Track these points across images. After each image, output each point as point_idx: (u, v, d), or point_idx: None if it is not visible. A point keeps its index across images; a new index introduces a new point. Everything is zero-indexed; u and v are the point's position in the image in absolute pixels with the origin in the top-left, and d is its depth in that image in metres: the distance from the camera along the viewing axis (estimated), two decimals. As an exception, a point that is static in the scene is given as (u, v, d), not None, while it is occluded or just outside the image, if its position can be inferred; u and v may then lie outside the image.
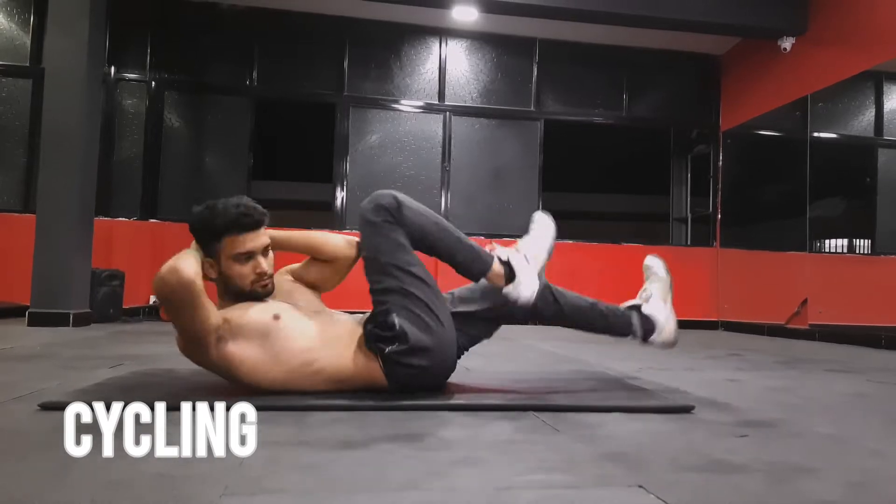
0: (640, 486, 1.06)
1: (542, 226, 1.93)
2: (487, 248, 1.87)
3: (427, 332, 1.72)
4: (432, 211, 1.86)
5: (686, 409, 1.73)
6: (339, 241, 1.90)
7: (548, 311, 1.91)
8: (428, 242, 1.81)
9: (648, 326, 1.98)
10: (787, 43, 5.50)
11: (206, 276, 1.72)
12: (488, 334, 2.01)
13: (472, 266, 1.83)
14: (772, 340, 4.99)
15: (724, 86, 6.63)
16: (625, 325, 1.98)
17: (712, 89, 6.68)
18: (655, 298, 2.02)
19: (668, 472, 1.15)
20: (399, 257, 1.75)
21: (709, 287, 6.39)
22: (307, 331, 1.72)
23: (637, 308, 2.01)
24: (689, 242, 6.94)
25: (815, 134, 5.32)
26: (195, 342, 1.65)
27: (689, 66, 6.69)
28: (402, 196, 1.80)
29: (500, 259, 1.84)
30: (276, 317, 1.69)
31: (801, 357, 3.60)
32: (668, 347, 2.04)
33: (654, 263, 2.11)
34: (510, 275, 1.82)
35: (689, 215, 6.99)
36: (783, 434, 1.52)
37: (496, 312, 1.93)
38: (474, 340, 1.97)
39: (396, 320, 1.70)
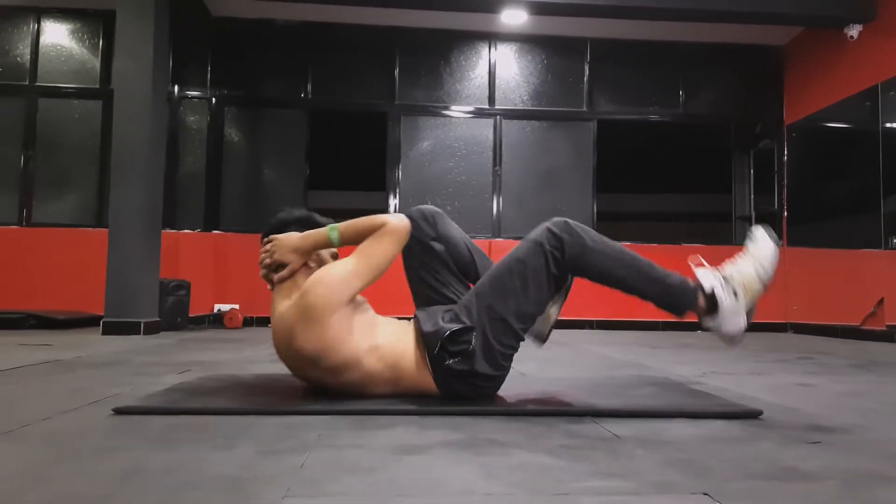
0: (706, 494, 1.02)
1: (762, 246, 1.68)
2: (690, 262, 1.68)
3: (494, 366, 1.70)
4: (614, 246, 1.70)
5: (754, 415, 1.66)
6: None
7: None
8: (612, 282, 1.69)
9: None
10: (853, 31, 5.25)
11: (276, 272, 1.76)
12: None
13: (676, 305, 1.68)
14: (845, 343, 4.75)
15: (788, 78, 6.38)
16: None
17: (775, 82, 6.44)
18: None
19: (734, 479, 1.11)
20: (531, 291, 1.68)
21: (776, 287, 6.12)
22: (377, 317, 1.77)
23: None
24: (753, 241, 6.68)
25: (888, 124, 5.04)
26: (356, 291, 1.68)
27: (750, 59, 6.47)
28: (586, 235, 1.69)
29: (704, 291, 1.65)
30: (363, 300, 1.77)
31: (878, 360, 3.41)
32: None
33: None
34: (713, 307, 1.64)
35: (753, 213, 6.74)
36: (858, 441, 1.44)
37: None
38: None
39: (474, 342, 1.67)
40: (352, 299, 1.68)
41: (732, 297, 1.65)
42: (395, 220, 1.73)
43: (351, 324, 1.66)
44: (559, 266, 1.69)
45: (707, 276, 1.68)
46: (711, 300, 1.65)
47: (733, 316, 1.65)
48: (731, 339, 1.69)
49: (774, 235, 1.71)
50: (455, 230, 1.92)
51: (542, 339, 1.85)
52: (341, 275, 1.67)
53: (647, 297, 1.70)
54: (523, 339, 1.75)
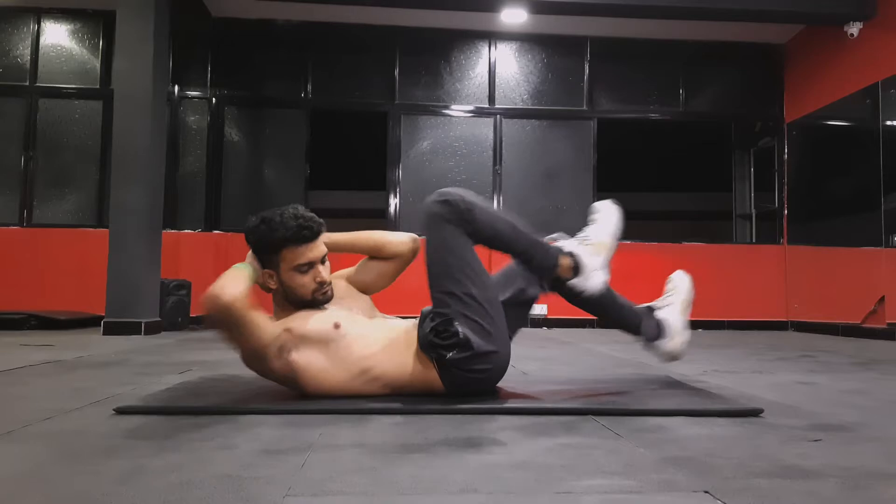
0: (707, 492, 1.03)
1: (606, 213, 1.88)
2: (551, 237, 1.85)
3: (487, 337, 1.70)
4: (497, 208, 1.86)
5: (755, 413, 1.66)
6: (402, 237, 1.93)
7: (573, 291, 1.86)
8: (497, 243, 1.79)
9: (659, 330, 1.95)
10: (854, 28, 5.25)
11: (264, 287, 1.77)
12: (525, 320, 1.98)
13: (542, 264, 1.81)
14: (847, 341, 4.75)
15: (788, 76, 6.37)
16: (636, 321, 1.95)
17: (775, 80, 6.44)
18: (673, 307, 1.98)
19: (735, 477, 1.11)
20: (462, 259, 1.74)
21: (777, 286, 6.14)
22: (366, 337, 1.73)
23: (652, 310, 1.98)
24: (754, 240, 6.69)
25: (888, 122, 5.03)
26: (254, 356, 1.70)
27: (750, 57, 6.47)
28: (471, 195, 1.78)
29: (565, 252, 1.81)
30: (337, 325, 1.70)
31: (880, 358, 3.40)
32: (671, 360, 2.00)
33: (679, 279, 2.06)
34: (576, 267, 1.80)
35: (754, 212, 6.73)
36: (860, 438, 1.44)
37: (526, 295, 1.90)
38: (517, 327, 1.93)
39: (459, 329, 1.67)
40: (281, 345, 1.67)
41: (589, 252, 1.81)
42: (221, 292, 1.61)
43: (324, 363, 1.68)
44: (462, 225, 1.73)
45: (566, 242, 1.84)
46: (573, 258, 1.80)
47: (594, 269, 1.80)
48: (592, 289, 1.81)
49: (613, 202, 1.91)
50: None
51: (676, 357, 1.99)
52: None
53: (522, 253, 1.80)
54: (494, 301, 1.75)
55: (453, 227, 1.74)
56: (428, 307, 1.78)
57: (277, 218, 1.72)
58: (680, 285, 2.03)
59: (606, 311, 1.95)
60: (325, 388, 1.70)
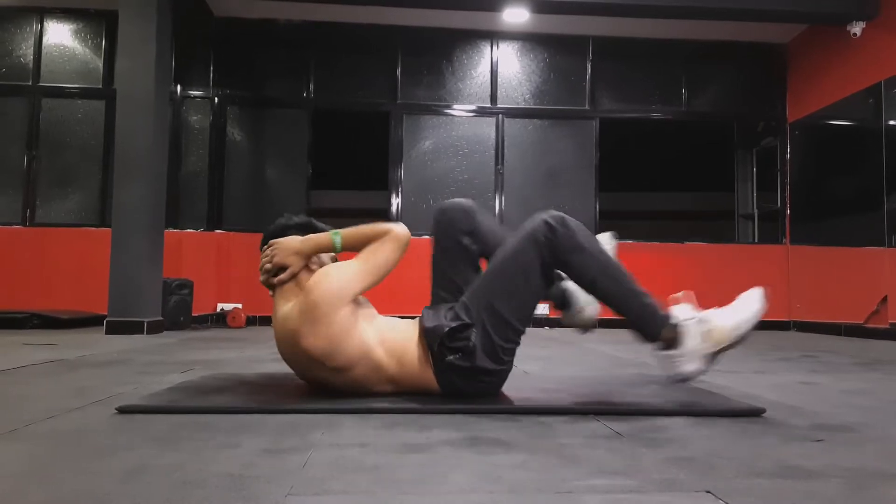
0: (708, 492, 1.02)
1: (747, 301, 1.66)
2: (678, 295, 1.67)
3: (496, 361, 1.70)
4: (605, 251, 1.70)
5: (756, 413, 1.66)
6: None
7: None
8: (598, 289, 1.70)
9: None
10: (856, 28, 5.24)
11: (275, 276, 1.76)
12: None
13: (643, 328, 1.67)
14: (849, 341, 4.74)
15: (791, 75, 6.36)
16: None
17: (778, 79, 6.43)
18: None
19: (737, 477, 1.11)
20: (528, 286, 1.69)
21: (779, 286, 6.13)
22: (382, 320, 1.76)
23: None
24: (756, 239, 6.69)
25: (891, 122, 5.02)
26: (361, 291, 1.69)
27: (752, 57, 6.46)
28: (580, 232, 1.68)
29: (672, 321, 1.65)
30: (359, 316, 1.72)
31: (882, 358, 3.40)
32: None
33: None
34: (676, 341, 1.63)
35: (756, 211, 6.72)
36: (862, 438, 1.44)
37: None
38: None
39: (473, 340, 1.66)
40: (354, 299, 1.68)
41: (699, 339, 1.63)
42: (399, 229, 1.75)
43: (356, 319, 1.67)
44: (551, 258, 1.69)
45: (683, 311, 1.66)
46: (677, 334, 1.63)
47: (691, 358, 1.63)
48: (676, 376, 1.67)
49: (765, 300, 1.67)
50: (491, 224, 1.88)
51: (586, 326, 1.90)
52: (344, 274, 1.68)
53: (620, 310, 1.69)
54: (524, 333, 1.75)
55: (542, 252, 1.67)
56: (446, 304, 1.77)
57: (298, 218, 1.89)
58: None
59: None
60: (349, 349, 1.65)
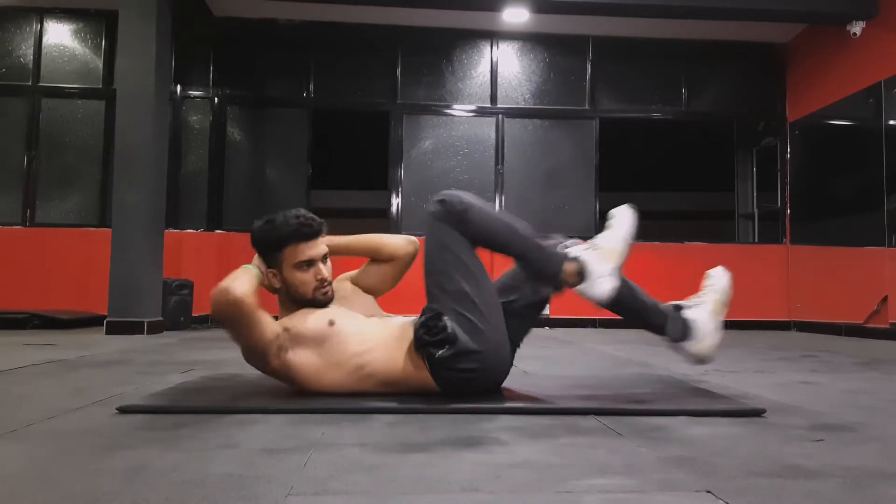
0: (709, 492, 1.02)
1: (621, 218, 1.81)
2: (559, 247, 1.78)
3: (475, 335, 1.70)
4: (500, 210, 1.84)
5: (757, 413, 1.66)
6: (398, 240, 1.95)
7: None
8: (494, 244, 1.79)
9: (685, 331, 1.80)
10: (856, 28, 5.23)
11: (269, 287, 1.79)
12: (536, 319, 1.97)
13: (544, 268, 1.76)
14: (849, 340, 4.74)
15: (791, 75, 6.36)
16: (660, 322, 1.82)
17: (778, 79, 6.43)
18: (705, 307, 1.83)
19: (737, 477, 1.11)
20: (457, 256, 1.75)
21: (779, 286, 6.13)
22: (360, 334, 1.75)
23: (679, 308, 1.84)
24: (756, 239, 6.68)
25: (891, 122, 5.02)
26: (255, 353, 1.72)
27: (752, 57, 6.46)
28: (469, 197, 1.79)
29: (571, 257, 1.75)
30: (331, 322, 1.73)
31: (882, 357, 3.40)
32: (699, 363, 1.85)
33: (717, 275, 1.91)
34: (582, 272, 1.73)
35: (756, 211, 6.72)
36: (862, 438, 1.44)
37: (538, 295, 1.89)
38: (524, 331, 1.92)
39: (448, 323, 1.69)
40: (279, 346, 1.70)
41: (597, 257, 1.73)
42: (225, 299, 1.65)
43: (318, 361, 1.71)
44: (457, 226, 1.75)
45: (574, 248, 1.78)
46: (579, 264, 1.73)
47: (603, 278, 1.73)
48: (602, 296, 1.74)
49: (630, 208, 1.83)
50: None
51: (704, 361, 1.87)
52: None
53: (521, 256, 1.78)
54: (489, 300, 1.75)
55: (449, 226, 1.76)
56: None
57: (280, 218, 1.79)
58: (717, 283, 1.89)
59: (626, 310, 1.84)
60: (321, 386, 1.73)
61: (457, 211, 1.75)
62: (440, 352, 1.68)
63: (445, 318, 1.70)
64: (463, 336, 1.69)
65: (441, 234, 1.76)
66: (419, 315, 1.77)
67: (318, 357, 1.71)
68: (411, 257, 1.94)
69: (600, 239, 1.78)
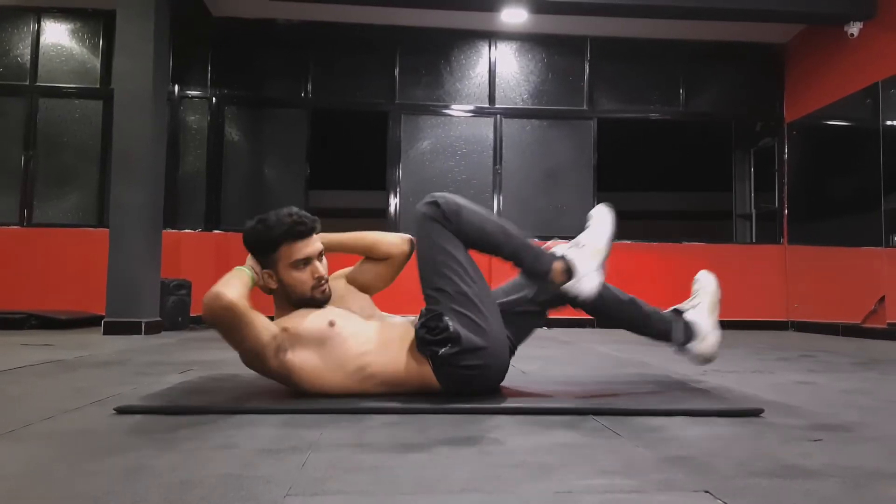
0: (707, 492, 1.03)
1: (600, 218, 1.86)
2: (549, 244, 1.84)
3: (478, 332, 1.71)
4: (489, 211, 1.84)
5: (755, 413, 1.66)
6: (393, 238, 1.95)
7: (589, 302, 1.85)
8: (486, 245, 1.81)
9: (689, 333, 1.93)
10: (854, 28, 5.25)
11: (264, 288, 1.78)
12: (536, 325, 1.99)
13: (534, 267, 1.80)
14: (847, 340, 4.75)
15: (789, 76, 6.37)
16: (665, 328, 1.94)
17: (775, 80, 6.44)
18: (702, 308, 1.96)
19: (736, 477, 1.11)
20: (451, 257, 1.76)
21: (777, 286, 6.14)
22: (361, 335, 1.74)
23: (680, 313, 1.97)
24: (754, 240, 6.69)
25: (889, 122, 5.03)
26: (252, 356, 1.70)
27: (750, 57, 6.46)
28: (458, 198, 1.81)
29: (558, 256, 1.80)
30: (332, 323, 1.72)
31: (880, 357, 3.41)
32: (705, 362, 1.97)
33: (705, 278, 2.04)
34: (569, 270, 1.77)
35: (754, 211, 6.73)
36: (860, 438, 1.44)
37: (539, 302, 1.91)
38: (524, 334, 1.94)
39: (449, 323, 1.69)
40: (277, 346, 1.68)
41: (583, 255, 1.78)
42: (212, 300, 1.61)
43: (319, 362, 1.70)
44: (448, 226, 1.76)
45: (561, 247, 1.82)
46: (566, 263, 1.78)
47: (587, 273, 1.77)
48: (588, 293, 1.79)
49: (608, 207, 1.88)
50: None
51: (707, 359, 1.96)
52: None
53: (512, 256, 1.81)
54: (485, 298, 1.77)
55: (440, 227, 1.77)
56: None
57: (273, 217, 1.77)
58: (706, 285, 2.01)
59: (632, 320, 1.95)
60: (321, 387, 1.71)
61: (448, 211, 1.77)
62: (443, 350, 1.68)
63: (446, 318, 1.70)
64: (466, 334, 1.69)
65: (435, 234, 1.77)
66: (418, 316, 1.77)
67: (318, 358, 1.70)
68: (406, 256, 1.94)
69: (583, 238, 1.83)
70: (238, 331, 1.63)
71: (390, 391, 1.75)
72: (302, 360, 1.69)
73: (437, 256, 1.77)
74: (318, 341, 1.70)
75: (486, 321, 1.73)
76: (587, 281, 1.77)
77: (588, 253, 1.79)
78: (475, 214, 1.80)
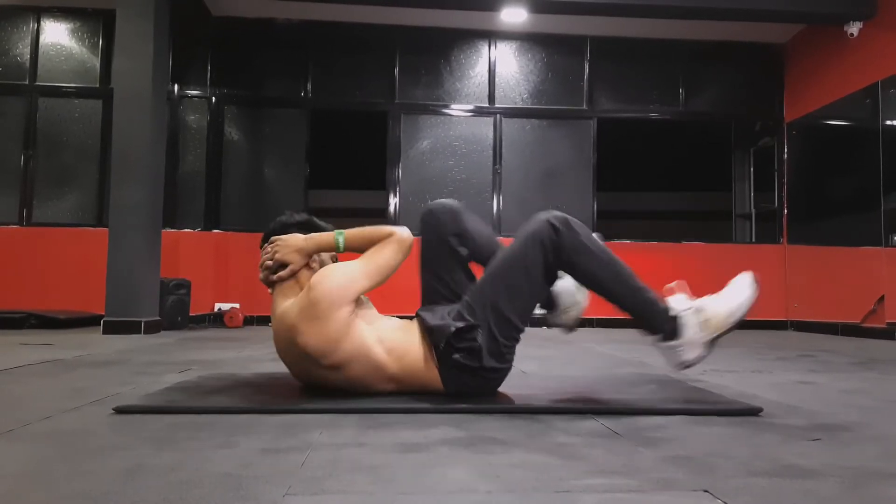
0: (706, 491, 1.03)
1: (740, 289, 1.70)
2: (670, 285, 1.69)
3: (500, 360, 1.72)
4: (607, 249, 1.71)
5: (754, 412, 1.67)
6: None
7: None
8: (602, 293, 1.72)
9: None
10: (853, 28, 5.25)
11: (273, 276, 1.77)
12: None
13: (652, 326, 1.70)
14: (846, 340, 4.75)
15: (788, 75, 6.37)
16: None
17: (775, 79, 6.44)
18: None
19: (735, 476, 1.11)
20: (532, 286, 1.72)
21: (777, 285, 6.14)
22: (386, 324, 1.76)
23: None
24: (753, 239, 6.69)
25: (888, 122, 5.04)
26: (351, 299, 1.66)
27: (750, 57, 6.47)
28: (588, 234, 1.71)
29: (671, 314, 1.68)
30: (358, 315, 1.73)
31: (879, 357, 3.41)
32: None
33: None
34: (675, 332, 1.66)
35: (753, 211, 6.73)
36: (859, 438, 1.44)
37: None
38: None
39: (479, 340, 1.67)
40: (356, 298, 1.68)
41: (697, 328, 1.67)
42: (403, 232, 1.75)
43: (355, 319, 1.67)
44: (555, 259, 1.70)
45: (679, 301, 1.70)
46: (676, 325, 1.67)
47: (692, 347, 1.67)
48: (679, 365, 1.71)
49: (756, 284, 1.72)
50: (477, 224, 1.90)
51: (570, 327, 1.92)
52: (347, 274, 1.68)
53: (625, 308, 1.72)
54: (524, 331, 1.76)
55: (545, 253, 1.68)
56: (445, 305, 1.78)
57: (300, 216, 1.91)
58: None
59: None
60: (347, 348, 1.65)
61: (568, 247, 1.67)
62: (458, 355, 1.68)
63: (480, 332, 1.67)
64: (487, 356, 1.69)
65: (533, 254, 1.69)
66: (446, 313, 1.73)
67: (354, 312, 1.67)
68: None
69: (710, 302, 1.69)
70: (396, 267, 1.73)
71: (395, 389, 1.75)
72: (347, 309, 1.65)
73: (519, 275, 1.70)
74: (360, 302, 1.73)
75: (512, 353, 1.75)
76: (687, 353, 1.66)
77: (706, 323, 1.66)
78: (597, 258, 1.67)
